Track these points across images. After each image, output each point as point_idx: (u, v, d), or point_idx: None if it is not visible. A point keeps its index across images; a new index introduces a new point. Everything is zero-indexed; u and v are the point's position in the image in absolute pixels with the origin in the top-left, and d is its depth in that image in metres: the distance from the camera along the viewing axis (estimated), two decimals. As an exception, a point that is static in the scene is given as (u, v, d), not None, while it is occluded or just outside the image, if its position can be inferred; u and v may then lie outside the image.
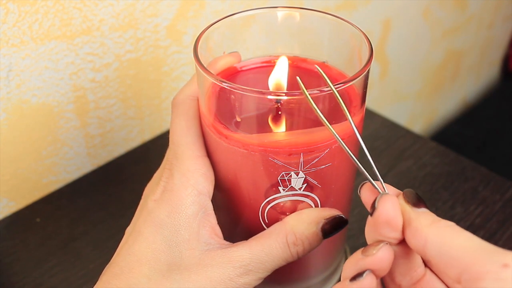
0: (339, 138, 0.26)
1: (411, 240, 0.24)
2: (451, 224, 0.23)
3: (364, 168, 0.26)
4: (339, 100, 0.27)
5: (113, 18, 0.45)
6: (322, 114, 0.27)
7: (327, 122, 0.26)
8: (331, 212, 0.30)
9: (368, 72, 0.29)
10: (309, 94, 0.26)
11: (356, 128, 0.27)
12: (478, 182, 0.49)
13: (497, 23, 1.04)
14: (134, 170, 0.51)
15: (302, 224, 0.30)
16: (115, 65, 0.48)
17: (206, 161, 0.31)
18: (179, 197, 0.30)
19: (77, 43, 0.44)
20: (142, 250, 0.29)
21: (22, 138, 0.45)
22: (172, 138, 0.32)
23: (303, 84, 0.26)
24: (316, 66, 0.29)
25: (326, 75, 0.28)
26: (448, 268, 0.23)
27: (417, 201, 0.25)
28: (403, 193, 0.25)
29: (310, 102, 0.26)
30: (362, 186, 0.27)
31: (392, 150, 0.52)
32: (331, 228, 0.30)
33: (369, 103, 0.64)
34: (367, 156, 0.26)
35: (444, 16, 0.88)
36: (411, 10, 0.80)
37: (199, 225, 0.30)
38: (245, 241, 0.30)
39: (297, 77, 0.27)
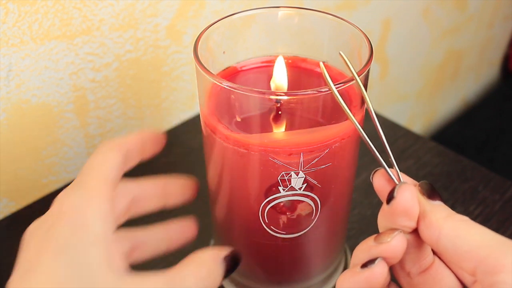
0: (359, 126, 0.27)
1: (424, 232, 0.24)
2: (465, 219, 0.24)
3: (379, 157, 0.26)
4: (361, 88, 0.27)
5: (113, 18, 0.45)
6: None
7: (347, 109, 0.26)
8: (228, 251, 0.29)
9: (368, 72, 0.29)
10: (334, 86, 0.26)
11: (373, 112, 0.27)
12: (478, 182, 0.49)
13: (497, 23, 1.04)
14: (134, 170, 0.50)
15: (212, 261, 0.29)
16: (115, 65, 0.48)
17: (115, 185, 0.28)
18: (83, 216, 0.26)
19: (77, 43, 0.44)
20: (41, 285, 0.24)
21: (22, 138, 0.45)
22: (88, 164, 0.29)
23: (328, 75, 0.26)
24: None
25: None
26: (462, 261, 0.23)
27: (432, 194, 0.25)
28: (418, 185, 0.26)
29: (334, 92, 0.26)
30: (375, 172, 0.27)
31: (392, 150, 0.52)
32: (232, 266, 0.29)
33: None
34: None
35: (444, 16, 0.88)
36: (411, 10, 0.80)
37: (108, 248, 0.26)
38: (160, 271, 0.27)
39: (323, 67, 0.27)
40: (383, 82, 0.84)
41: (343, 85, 0.27)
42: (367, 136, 0.27)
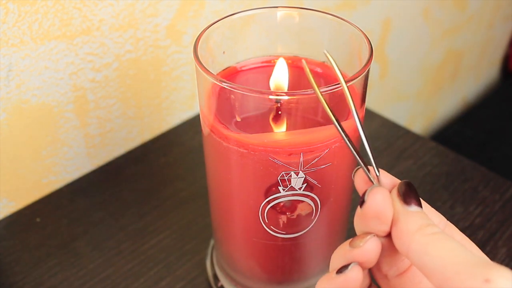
0: (341, 131, 0.26)
1: (395, 241, 0.24)
2: (436, 231, 0.23)
3: (364, 158, 0.25)
4: (345, 91, 0.26)
5: (113, 18, 0.45)
6: (325, 111, 0.26)
7: (331, 114, 0.26)
8: None
9: (368, 72, 0.29)
10: (319, 89, 0.26)
11: (358, 120, 0.26)
12: (478, 182, 0.48)
13: (497, 23, 1.04)
14: (134, 170, 0.51)
15: None
16: (115, 65, 0.48)
17: None
18: None
19: (77, 43, 0.44)
20: None
21: (22, 138, 0.45)
22: None
23: (313, 80, 0.26)
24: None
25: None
26: (429, 277, 0.22)
27: (408, 198, 0.24)
28: (397, 186, 0.25)
29: (319, 96, 0.26)
30: (356, 171, 0.26)
31: (392, 150, 0.52)
32: None
33: (369, 103, 0.64)
34: (367, 155, 0.26)
35: (444, 16, 0.88)
36: (411, 10, 0.80)
37: None
38: None
39: (308, 72, 0.26)
40: (383, 82, 0.84)
41: (330, 90, 0.27)
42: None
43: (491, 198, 0.47)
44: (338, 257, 0.25)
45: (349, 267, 0.24)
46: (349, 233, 0.42)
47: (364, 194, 0.24)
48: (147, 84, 0.51)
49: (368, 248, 0.24)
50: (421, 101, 0.97)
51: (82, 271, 0.41)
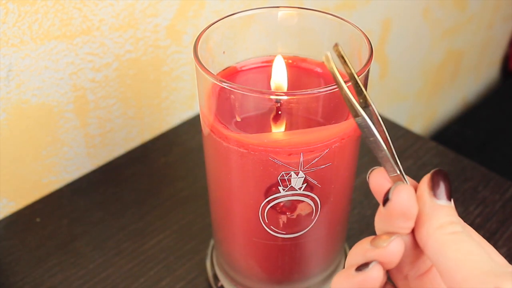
0: (372, 126, 0.25)
1: (416, 234, 0.23)
2: (457, 231, 0.22)
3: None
4: (356, 79, 0.25)
5: (113, 18, 0.45)
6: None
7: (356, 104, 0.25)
8: None
9: (368, 72, 0.29)
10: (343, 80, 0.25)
11: (374, 109, 0.25)
12: (478, 182, 0.49)
13: (497, 23, 1.04)
14: (134, 170, 0.51)
15: None
16: (115, 65, 0.48)
17: None
18: None
19: (77, 43, 0.44)
20: None
21: (22, 138, 0.45)
22: None
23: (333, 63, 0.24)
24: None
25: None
26: (442, 277, 0.22)
27: (438, 190, 0.23)
28: (431, 174, 0.24)
29: (344, 87, 0.24)
30: (371, 172, 0.26)
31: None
32: None
33: (369, 103, 0.64)
34: (387, 150, 0.25)
35: (444, 16, 0.88)
36: (411, 10, 0.80)
37: None
38: None
39: (327, 54, 0.24)
40: (383, 82, 0.84)
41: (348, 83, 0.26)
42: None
43: (491, 198, 0.47)
44: (357, 254, 0.24)
45: (370, 266, 0.23)
46: (349, 233, 0.42)
47: (387, 192, 0.23)
48: (147, 84, 0.51)
49: (392, 249, 0.23)
50: (421, 101, 0.97)
51: (82, 271, 0.41)
